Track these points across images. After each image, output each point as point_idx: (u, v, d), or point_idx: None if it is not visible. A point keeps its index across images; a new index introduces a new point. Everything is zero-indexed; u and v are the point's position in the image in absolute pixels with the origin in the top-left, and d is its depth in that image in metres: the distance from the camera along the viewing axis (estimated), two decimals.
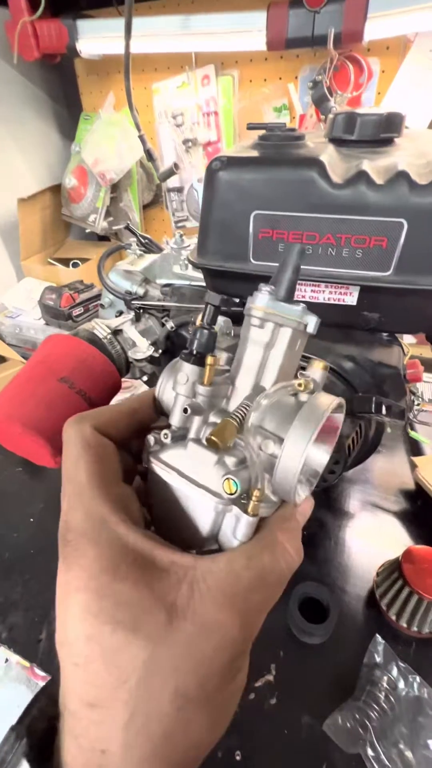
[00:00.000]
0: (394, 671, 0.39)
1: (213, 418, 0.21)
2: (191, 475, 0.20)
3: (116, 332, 0.48)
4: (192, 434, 0.21)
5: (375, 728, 0.36)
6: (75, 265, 1.03)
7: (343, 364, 0.43)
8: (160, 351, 0.52)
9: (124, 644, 0.14)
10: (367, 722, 0.36)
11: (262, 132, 0.36)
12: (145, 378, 0.55)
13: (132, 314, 0.51)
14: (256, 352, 0.21)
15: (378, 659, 0.40)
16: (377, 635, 0.42)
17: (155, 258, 0.56)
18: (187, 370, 0.21)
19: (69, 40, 0.79)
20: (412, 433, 0.58)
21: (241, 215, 0.33)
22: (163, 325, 0.51)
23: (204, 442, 0.20)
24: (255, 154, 0.34)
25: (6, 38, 0.81)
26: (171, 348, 0.53)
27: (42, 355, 0.44)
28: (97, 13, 0.83)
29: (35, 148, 1.02)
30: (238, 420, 0.20)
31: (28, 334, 0.90)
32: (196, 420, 0.21)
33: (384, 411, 0.36)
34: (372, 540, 0.53)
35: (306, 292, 0.35)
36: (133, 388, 0.80)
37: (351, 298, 0.34)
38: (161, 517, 0.21)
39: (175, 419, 0.22)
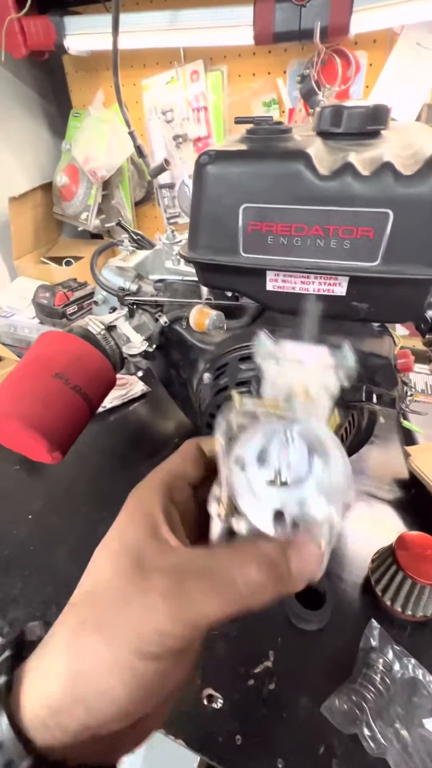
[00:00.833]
0: (390, 654, 0.40)
1: None
2: None
3: (110, 328, 0.48)
4: None
5: (371, 709, 0.36)
6: (68, 263, 1.03)
7: None
8: (155, 346, 0.52)
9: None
10: (364, 704, 0.37)
11: (249, 126, 0.36)
12: (140, 373, 0.55)
13: (125, 310, 0.51)
14: None
15: (374, 643, 0.41)
16: (372, 620, 0.42)
17: (147, 254, 0.56)
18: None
19: (56, 36, 0.78)
20: (405, 423, 0.59)
21: (230, 209, 0.34)
22: (156, 320, 0.52)
23: None
24: (243, 147, 0.34)
25: None
26: (165, 343, 0.54)
27: (36, 352, 0.44)
28: (84, 10, 0.82)
29: (25, 146, 1.02)
30: None
31: (23, 333, 0.90)
32: None
33: (375, 400, 0.37)
34: (367, 528, 0.54)
35: (296, 284, 0.36)
36: (128, 385, 0.81)
37: (340, 288, 0.35)
38: None
39: None
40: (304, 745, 0.36)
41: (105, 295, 0.59)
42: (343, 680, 0.39)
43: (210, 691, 0.40)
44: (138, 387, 0.81)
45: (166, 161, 0.75)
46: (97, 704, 0.16)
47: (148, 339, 0.52)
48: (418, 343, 0.62)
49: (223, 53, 0.80)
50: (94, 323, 0.47)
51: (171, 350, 0.54)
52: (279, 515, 0.17)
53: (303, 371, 0.19)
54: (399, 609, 0.42)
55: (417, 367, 0.70)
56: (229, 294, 0.50)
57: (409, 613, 0.42)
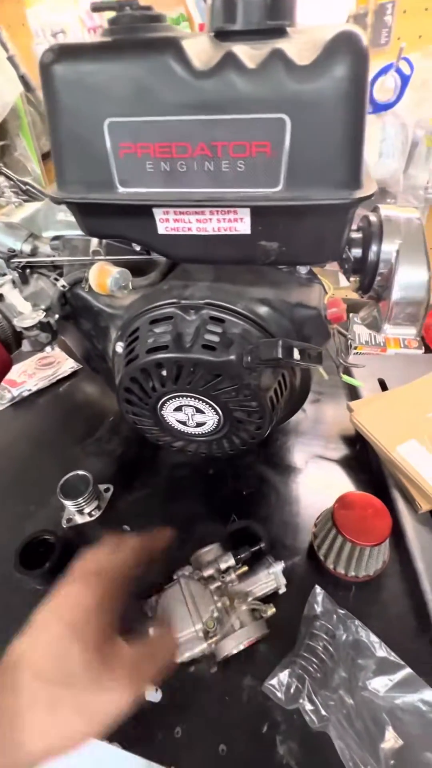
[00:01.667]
0: (334, 619, 0.38)
1: None
2: None
3: None
4: None
5: (315, 680, 0.35)
6: None
7: (257, 309, 0.39)
8: (56, 316, 0.45)
9: None
10: (306, 676, 0.35)
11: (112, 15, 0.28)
12: (48, 349, 0.48)
13: (14, 275, 0.43)
14: None
15: (318, 609, 0.39)
16: (317, 586, 0.40)
17: (38, 206, 0.47)
18: None
19: None
20: (345, 378, 0.56)
21: (92, 125, 0.26)
22: (54, 284, 0.44)
23: None
24: (102, 41, 0.26)
25: None
26: (72, 312, 0.46)
27: None
28: None
29: None
30: None
31: None
32: None
33: (296, 356, 0.33)
34: (314, 491, 0.52)
35: (191, 222, 0.30)
36: (56, 363, 0.73)
37: (243, 225, 0.29)
38: None
39: None
40: (248, 726, 0.34)
41: None
42: (288, 653, 0.37)
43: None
44: (68, 365, 0.73)
45: None
46: None
47: (48, 308, 0.44)
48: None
49: None
50: None
51: (80, 319, 0.47)
52: None
53: None
54: (342, 571, 0.40)
55: (356, 318, 0.66)
56: (138, 248, 0.42)
57: (353, 574, 0.40)
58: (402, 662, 0.35)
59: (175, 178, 0.27)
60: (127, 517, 0.50)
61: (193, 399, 0.40)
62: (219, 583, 0.35)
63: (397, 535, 0.43)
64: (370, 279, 0.36)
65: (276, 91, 0.24)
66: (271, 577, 0.37)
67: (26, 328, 0.42)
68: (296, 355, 0.32)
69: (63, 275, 0.45)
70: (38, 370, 0.72)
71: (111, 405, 0.66)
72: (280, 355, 0.30)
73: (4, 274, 0.45)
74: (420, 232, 0.35)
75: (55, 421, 0.67)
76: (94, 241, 0.38)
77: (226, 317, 0.37)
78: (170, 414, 0.42)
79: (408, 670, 0.35)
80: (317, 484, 0.53)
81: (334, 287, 0.42)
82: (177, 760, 0.33)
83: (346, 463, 0.55)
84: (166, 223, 0.30)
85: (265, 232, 0.29)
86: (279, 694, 0.34)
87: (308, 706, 0.33)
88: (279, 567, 0.37)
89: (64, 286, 0.43)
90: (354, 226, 0.37)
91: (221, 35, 0.30)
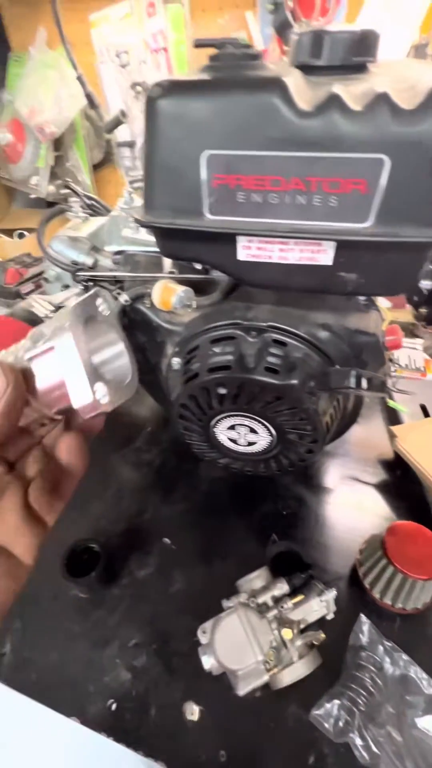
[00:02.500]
0: (380, 650, 0.38)
1: None
2: None
3: (59, 310, 0.41)
4: None
5: (363, 713, 0.34)
6: (21, 235, 0.92)
7: (318, 334, 0.39)
8: None
9: None
10: (354, 708, 0.34)
11: (212, 52, 0.29)
12: None
13: (79, 288, 0.44)
14: None
15: (364, 640, 0.39)
16: (362, 615, 0.40)
17: (102, 222, 0.49)
18: None
19: None
20: (391, 402, 0.56)
21: (190, 157, 0.27)
22: (116, 299, 0.45)
23: None
24: (205, 77, 0.27)
25: None
26: (128, 325, 0.47)
27: None
28: None
29: None
30: None
31: None
32: None
33: (365, 385, 0.33)
34: (352, 515, 0.51)
35: (273, 251, 0.30)
36: None
37: (326, 256, 0.29)
38: None
39: None
40: (294, 756, 0.34)
41: (58, 272, 0.52)
42: (333, 681, 0.37)
43: (191, 704, 0.37)
44: None
45: (123, 113, 0.65)
46: None
47: None
48: (400, 316, 0.58)
49: None
50: (39, 304, 0.40)
51: (135, 332, 0.48)
52: None
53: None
54: (389, 602, 0.40)
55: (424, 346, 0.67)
56: (199, 266, 0.43)
57: (400, 606, 0.40)
58: None
59: (265, 210, 0.28)
60: (167, 529, 0.50)
61: (248, 419, 0.40)
62: (275, 611, 0.35)
63: None
64: None
65: (379, 132, 0.24)
66: (323, 605, 0.36)
67: None
68: (364, 383, 0.33)
69: (124, 290, 0.46)
70: None
71: (149, 414, 0.67)
72: (353, 385, 0.31)
73: (68, 286, 0.46)
74: None
75: None
76: (168, 261, 0.39)
77: (288, 341, 0.38)
78: (222, 432, 0.43)
79: None
80: (356, 507, 0.53)
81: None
82: None
83: (385, 489, 0.55)
84: (248, 251, 0.31)
85: (347, 264, 0.30)
86: (327, 725, 0.34)
87: (359, 741, 0.33)
88: (331, 595, 0.37)
89: (126, 301, 0.44)
90: None
91: (304, 69, 0.31)
